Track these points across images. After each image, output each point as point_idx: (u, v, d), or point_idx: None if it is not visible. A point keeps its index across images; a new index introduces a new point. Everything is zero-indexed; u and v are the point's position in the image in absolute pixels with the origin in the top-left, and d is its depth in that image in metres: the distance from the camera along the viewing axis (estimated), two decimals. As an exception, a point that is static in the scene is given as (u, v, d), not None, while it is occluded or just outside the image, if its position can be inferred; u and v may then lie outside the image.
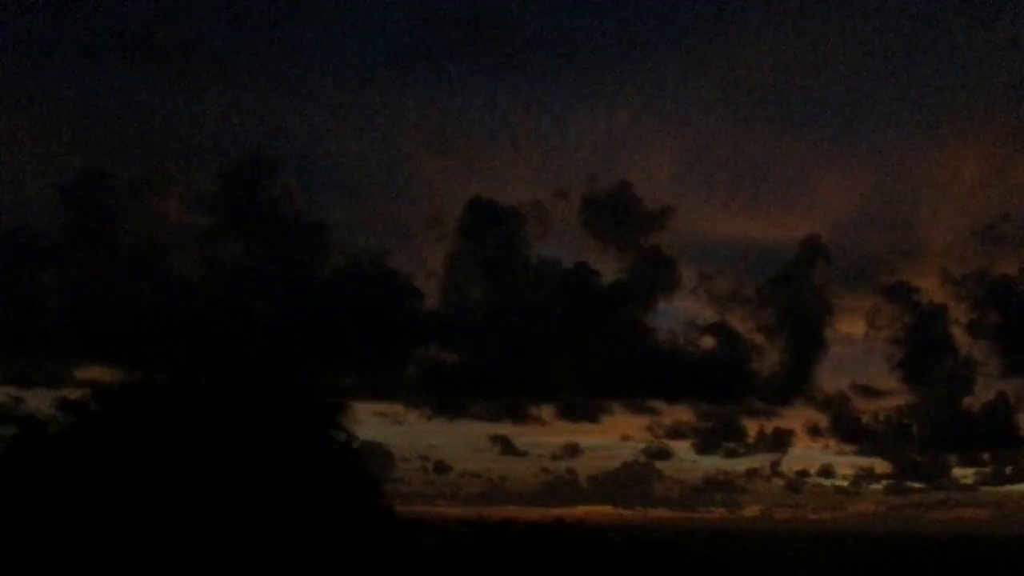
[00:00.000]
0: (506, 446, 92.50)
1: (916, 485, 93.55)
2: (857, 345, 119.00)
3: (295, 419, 37.85)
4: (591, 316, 67.51)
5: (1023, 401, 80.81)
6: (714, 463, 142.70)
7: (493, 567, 36.86)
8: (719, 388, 76.06)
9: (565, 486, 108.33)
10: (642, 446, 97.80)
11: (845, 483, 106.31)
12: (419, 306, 62.41)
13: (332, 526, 36.16)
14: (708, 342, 72.34)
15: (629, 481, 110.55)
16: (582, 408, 79.67)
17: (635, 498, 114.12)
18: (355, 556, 34.17)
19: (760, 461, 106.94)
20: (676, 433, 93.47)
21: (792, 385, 76.27)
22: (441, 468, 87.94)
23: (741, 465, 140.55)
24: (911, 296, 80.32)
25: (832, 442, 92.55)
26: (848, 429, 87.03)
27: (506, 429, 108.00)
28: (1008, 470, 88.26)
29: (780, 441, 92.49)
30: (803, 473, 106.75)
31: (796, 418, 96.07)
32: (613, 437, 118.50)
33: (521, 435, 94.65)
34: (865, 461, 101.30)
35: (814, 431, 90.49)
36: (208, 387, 37.47)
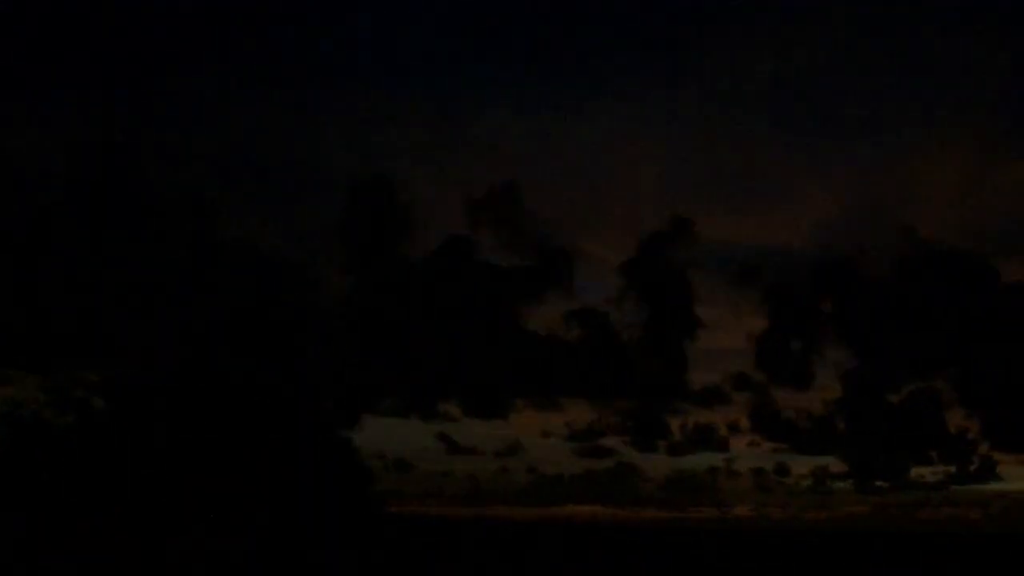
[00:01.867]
0: (451, 444, 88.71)
1: (881, 484, 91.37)
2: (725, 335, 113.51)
3: (297, 421, 37.69)
4: (476, 310, 66.00)
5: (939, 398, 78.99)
6: (668, 461, 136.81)
7: (503, 566, 36.66)
8: (616, 383, 73.68)
9: (547, 485, 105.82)
10: (574, 444, 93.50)
11: (808, 482, 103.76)
12: (310, 297, 59.60)
13: (331, 525, 35.93)
14: (599, 338, 69.91)
15: (604, 480, 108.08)
16: (483, 404, 77.02)
17: (617, 497, 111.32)
18: (356, 554, 33.94)
19: (714, 459, 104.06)
20: (595, 432, 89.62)
21: (674, 380, 73.87)
22: (402, 466, 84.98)
23: (690, 463, 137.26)
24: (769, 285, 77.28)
25: (757, 438, 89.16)
26: (774, 426, 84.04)
27: (417, 425, 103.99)
28: (972, 468, 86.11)
29: (709, 438, 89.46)
30: (759, 471, 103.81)
31: (706, 414, 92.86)
32: (533, 433, 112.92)
33: (437, 431, 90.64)
34: (818, 460, 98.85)
35: (733, 428, 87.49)
36: (210, 390, 37.29)
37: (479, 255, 70.28)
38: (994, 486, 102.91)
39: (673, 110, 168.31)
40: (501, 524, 79.78)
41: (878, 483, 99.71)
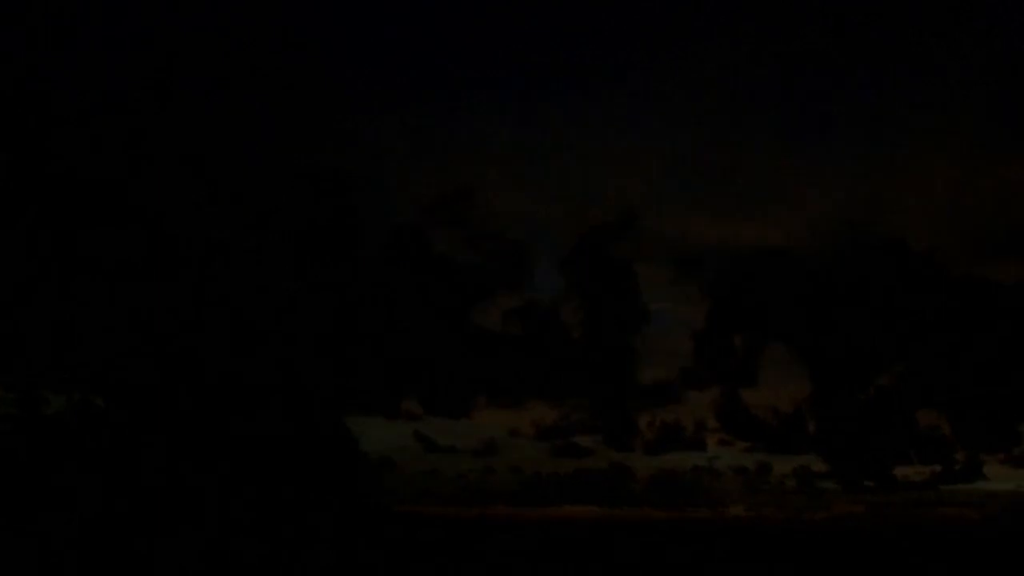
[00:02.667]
0: (428, 443, 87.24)
1: (868, 484, 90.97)
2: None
3: (299, 419, 37.49)
4: (430, 305, 65.40)
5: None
6: (648, 461, 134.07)
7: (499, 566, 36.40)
8: (563, 380, 73.01)
9: (542, 485, 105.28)
10: (545, 443, 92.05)
11: (793, 482, 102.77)
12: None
13: (333, 524, 35.69)
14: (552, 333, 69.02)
15: (598, 480, 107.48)
16: (443, 402, 75.76)
17: (611, 498, 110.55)
18: (357, 553, 33.69)
19: (695, 459, 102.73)
20: (562, 430, 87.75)
21: (620, 376, 72.95)
22: (388, 465, 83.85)
23: (670, 463, 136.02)
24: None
25: (727, 437, 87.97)
26: (743, 425, 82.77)
27: (388, 424, 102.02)
28: (957, 467, 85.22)
29: (682, 436, 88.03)
30: (742, 470, 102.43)
31: (669, 412, 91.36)
32: (501, 432, 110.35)
33: (412, 429, 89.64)
34: (796, 459, 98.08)
35: (701, 426, 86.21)
36: (214, 387, 37.08)
37: (432, 250, 69.34)
38: (982, 485, 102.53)
39: (664, 111, 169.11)
40: (500, 524, 79.35)
41: (865, 483, 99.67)
